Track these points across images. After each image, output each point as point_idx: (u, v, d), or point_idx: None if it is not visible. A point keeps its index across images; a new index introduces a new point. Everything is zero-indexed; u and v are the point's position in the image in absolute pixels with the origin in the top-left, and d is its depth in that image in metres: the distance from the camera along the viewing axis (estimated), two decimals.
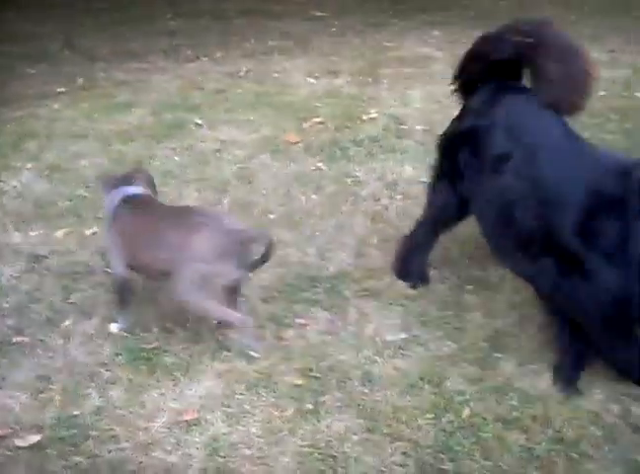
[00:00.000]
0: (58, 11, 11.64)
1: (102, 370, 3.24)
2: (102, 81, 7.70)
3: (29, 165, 5.38)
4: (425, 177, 4.91)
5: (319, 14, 10.86)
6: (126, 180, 3.58)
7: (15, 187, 5.05)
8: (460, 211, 3.70)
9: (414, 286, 3.79)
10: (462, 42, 8.75)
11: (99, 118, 6.39)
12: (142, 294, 3.73)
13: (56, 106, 6.84)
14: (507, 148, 3.30)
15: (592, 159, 3.17)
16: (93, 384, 3.16)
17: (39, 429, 2.90)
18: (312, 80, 7.29)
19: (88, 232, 4.41)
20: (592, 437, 2.82)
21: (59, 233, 4.41)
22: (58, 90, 7.38)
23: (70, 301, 3.75)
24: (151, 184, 3.67)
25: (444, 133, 3.78)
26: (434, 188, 3.83)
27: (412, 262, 3.87)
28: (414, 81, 7.20)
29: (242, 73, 7.55)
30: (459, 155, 3.56)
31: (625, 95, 6.77)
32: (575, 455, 2.74)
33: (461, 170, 3.55)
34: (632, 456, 2.74)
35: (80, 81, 7.67)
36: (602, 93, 5.97)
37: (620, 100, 6.59)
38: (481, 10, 10.83)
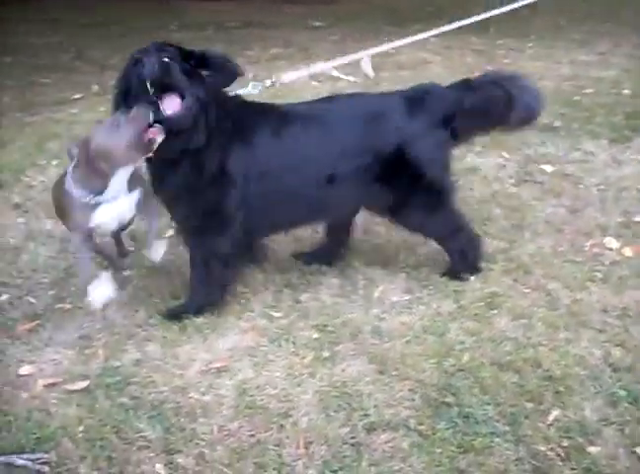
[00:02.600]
0: (66, 25, 12.09)
1: (138, 330, 3.60)
2: None
3: (54, 162, 5.77)
4: None
5: (318, 24, 11.30)
6: None
7: (42, 181, 5.43)
8: None
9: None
10: (458, 48, 9.27)
11: None
12: (169, 263, 4.12)
13: (74, 110, 7.25)
14: None
15: None
16: (131, 341, 3.52)
17: (86, 377, 3.26)
18: (316, 83, 7.69)
19: None
20: (576, 376, 3.18)
21: None
22: (74, 96, 7.79)
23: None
24: None
25: None
26: None
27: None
28: (412, 83, 7.57)
29: (248, 78, 7.90)
30: None
31: (613, 92, 7.17)
32: (562, 389, 3.10)
33: None
34: (611, 390, 3.09)
35: (95, 88, 8.09)
36: (591, 90, 6.34)
37: (608, 97, 6.99)
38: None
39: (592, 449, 2.79)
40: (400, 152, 3.65)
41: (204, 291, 3.71)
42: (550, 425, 2.92)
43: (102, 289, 3.45)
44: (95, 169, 3.22)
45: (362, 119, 3.68)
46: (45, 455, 2.82)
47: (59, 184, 3.45)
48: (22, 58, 9.73)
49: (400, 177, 3.69)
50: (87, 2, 14.47)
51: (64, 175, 3.40)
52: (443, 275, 3.97)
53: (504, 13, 5.62)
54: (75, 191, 3.29)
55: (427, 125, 3.71)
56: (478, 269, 3.99)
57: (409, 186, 3.72)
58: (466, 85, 3.85)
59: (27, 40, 10.93)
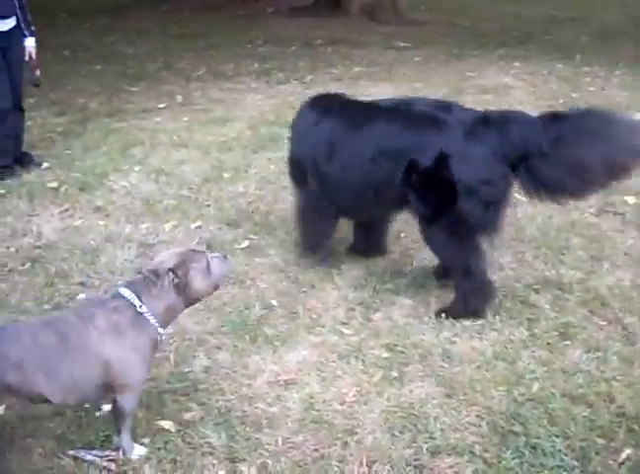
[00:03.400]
0: (154, 36, 12.39)
1: (209, 338, 3.65)
2: (198, 98, 8.27)
3: (136, 168, 5.91)
4: None
5: (403, 44, 11.31)
6: None
7: (124, 186, 5.56)
8: None
9: None
10: (542, 74, 9.16)
11: (198, 130, 6.92)
12: (244, 274, 4.18)
13: (158, 119, 7.41)
14: None
15: None
16: (201, 348, 3.58)
17: (156, 380, 3.31)
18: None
19: (193, 226, 4.87)
20: None
21: (167, 226, 4.88)
22: (159, 106, 7.97)
23: None
24: None
25: None
26: None
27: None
28: (494, 107, 7.52)
29: None
30: None
31: None
32: (636, 427, 3.01)
33: None
34: None
35: (179, 98, 8.26)
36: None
37: None
38: (561, 44, 11.14)
39: None
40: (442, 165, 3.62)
41: None
42: (622, 464, 2.84)
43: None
44: None
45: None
46: (113, 453, 2.88)
47: None
48: (111, 66, 10.00)
49: (436, 190, 3.68)
50: (176, 14, 14.80)
51: None
52: (440, 311, 3.84)
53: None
54: None
55: (486, 153, 3.60)
56: (477, 315, 3.80)
57: (443, 202, 3.68)
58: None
59: (117, 50, 11.24)
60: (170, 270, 2.75)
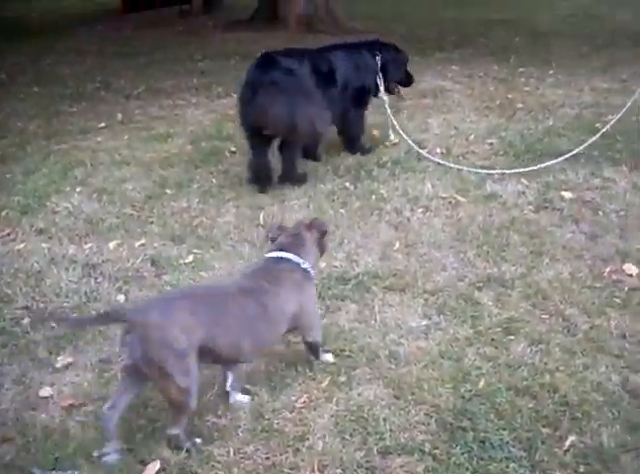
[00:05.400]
0: (93, 55, 12.33)
1: None
2: (139, 116, 8.24)
3: (78, 189, 5.87)
4: (444, 192, 5.36)
5: None
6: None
7: (66, 207, 5.52)
8: None
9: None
10: (479, 76, 9.32)
11: (139, 147, 6.90)
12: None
13: (98, 138, 7.37)
14: None
15: None
16: None
17: (104, 399, 3.28)
18: None
19: (137, 243, 4.85)
20: (594, 402, 3.17)
21: (111, 245, 4.85)
22: (99, 125, 7.92)
23: (125, 300, 4.16)
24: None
25: None
26: None
27: None
28: (433, 111, 7.67)
29: None
30: None
31: (634, 120, 7.14)
32: (579, 415, 3.09)
33: None
34: (629, 417, 3.08)
35: (119, 116, 8.22)
36: (612, 117, 6.32)
37: (629, 124, 6.95)
38: (496, 46, 11.35)
39: None
40: None
41: None
42: (567, 451, 2.91)
43: None
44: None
45: None
46: (76, 472, 2.87)
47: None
48: (49, 88, 9.90)
49: None
50: (114, 33, 14.74)
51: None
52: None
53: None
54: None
55: None
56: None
57: None
58: None
59: (55, 71, 11.14)
60: (325, 232, 3.47)
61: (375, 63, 6.23)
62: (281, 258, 3.29)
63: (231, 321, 3.00)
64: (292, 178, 5.80)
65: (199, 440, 3.00)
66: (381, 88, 6.26)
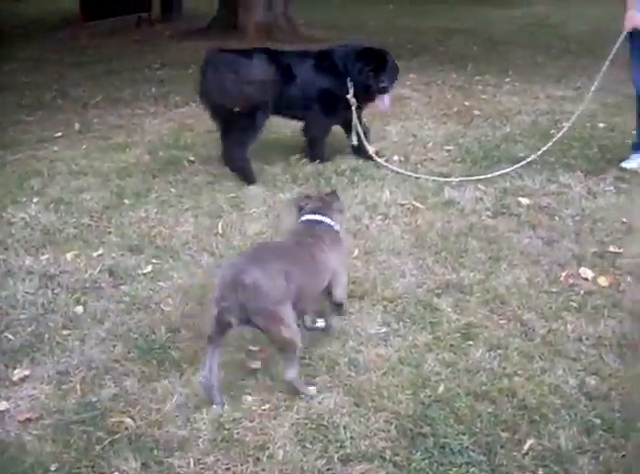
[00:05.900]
0: (51, 64, 12.18)
1: (116, 365, 3.61)
2: (97, 125, 8.16)
3: (35, 199, 5.78)
4: (402, 199, 5.39)
5: None
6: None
7: (23, 218, 5.43)
8: None
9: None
10: (437, 84, 9.41)
11: (97, 157, 6.83)
12: (147, 298, 4.15)
13: (55, 148, 7.27)
14: None
15: None
16: (108, 376, 3.52)
17: (62, 412, 3.26)
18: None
19: (95, 254, 4.79)
20: (551, 405, 3.22)
21: (68, 255, 4.78)
22: (56, 135, 7.82)
23: (83, 311, 4.11)
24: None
25: None
26: None
27: None
28: (391, 118, 7.70)
29: None
30: None
31: (588, 126, 7.29)
32: (537, 418, 3.13)
33: None
34: (586, 419, 3.13)
35: (76, 126, 8.13)
36: (567, 124, 6.41)
37: (584, 130, 7.10)
38: (454, 55, 11.46)
39: None
40: None
41: None
42: (525, 454, 2.95)
43: None
44: None
45: None
46: None
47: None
48: (6, 97, 9.77)
49: None
50: (73, 42, 14.59)
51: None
52: None
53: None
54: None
55: None
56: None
57: None
58: None
59: (13, 79, 10.98)
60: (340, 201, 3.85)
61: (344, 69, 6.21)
62: (316, 220, 3.63)
63: (305, 269, 3.33)
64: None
65: (312, 388, 3.31)
66: (350, 92, 6.19)
